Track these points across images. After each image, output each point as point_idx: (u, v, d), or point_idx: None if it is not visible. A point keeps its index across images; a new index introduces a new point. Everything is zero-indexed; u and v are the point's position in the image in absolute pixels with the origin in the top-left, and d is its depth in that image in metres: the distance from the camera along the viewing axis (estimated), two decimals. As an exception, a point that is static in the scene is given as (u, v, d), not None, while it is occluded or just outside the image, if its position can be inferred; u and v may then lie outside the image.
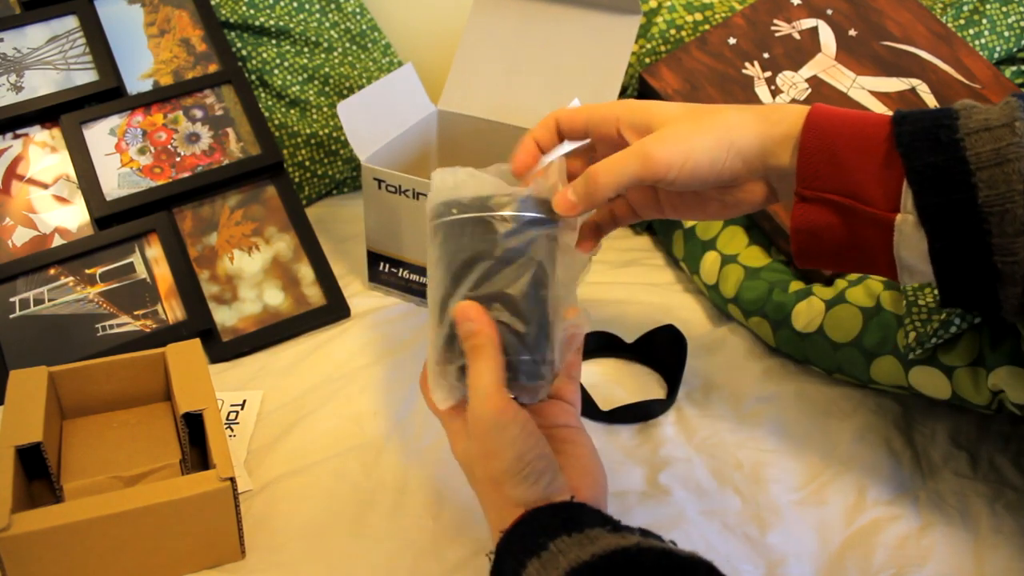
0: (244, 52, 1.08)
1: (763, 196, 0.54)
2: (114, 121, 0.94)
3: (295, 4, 1.11)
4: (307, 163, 1.09)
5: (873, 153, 0.48)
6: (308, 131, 1.08)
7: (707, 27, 1.03)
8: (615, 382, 0.81)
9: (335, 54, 1.13)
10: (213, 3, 1.06)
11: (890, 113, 0.49)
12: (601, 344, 0.83)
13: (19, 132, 0.92)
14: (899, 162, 0.47)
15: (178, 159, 0.92)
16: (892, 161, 0.48)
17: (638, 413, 0.75)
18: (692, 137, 0.50)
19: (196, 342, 0.72)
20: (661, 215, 0.59)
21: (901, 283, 0.50)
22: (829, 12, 0.97)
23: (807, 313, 0.78)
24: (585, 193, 0.51)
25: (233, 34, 1.08)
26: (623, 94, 1.01)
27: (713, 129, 0.51)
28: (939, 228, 0.46)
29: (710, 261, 0.89)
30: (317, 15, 1.13)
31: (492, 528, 0.51)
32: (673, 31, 1.04)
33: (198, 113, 0.95)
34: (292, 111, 1.10)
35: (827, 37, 0.96)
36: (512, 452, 0.49)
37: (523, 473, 0.49)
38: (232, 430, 0.73)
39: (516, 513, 0.49)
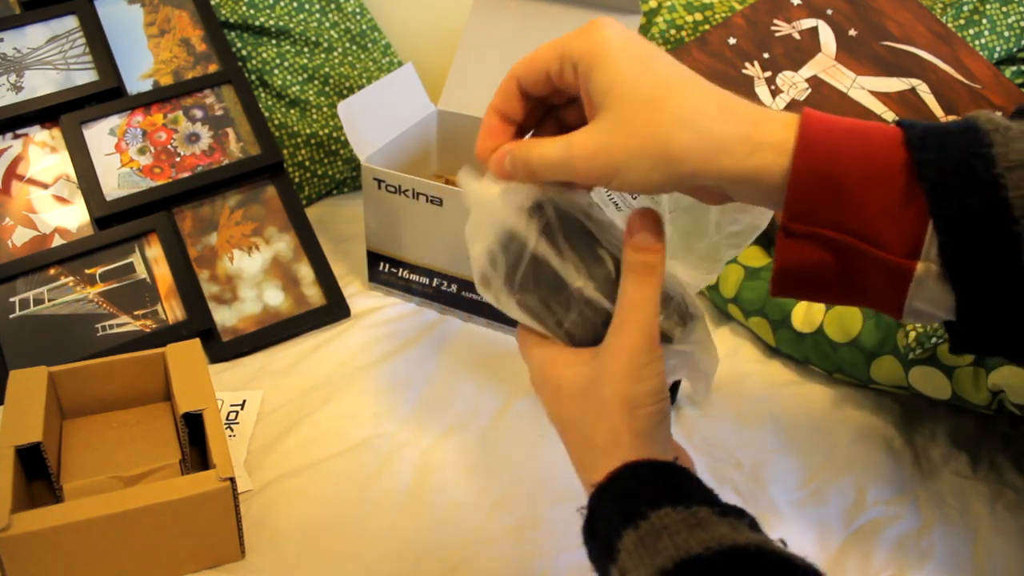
0: (244, 52, 1.08)
1: (723, 199, 0.46)
2: (114, 121, 0.94)
3: (295, 4, 1.11)
4: (307, 163, 1.09)
5: (885, 184, 0.39)
6: (308, 131, 1.08)
7: (707, 27, 1.03)
8: (615, 382, 0.81)
9: (335, 54, 1.13)
10: (213, 3, 1.06)
11: (894, 124, 0.41)
12: (601, 344, 0.83)
13: (19, 132, 0.92)
14: (921, 198, 0.38)
15: (178, 159, 0.92)
16: (911, 196, 0.38)
17: (638, 413, 0.75)
18: (624, 155, 0.41)
19: (196, 342, 0.72)
20: None
21: (903, 321, 0.44)
22: (829, 12, 0.97)
23: (807, 313, 0.78)
24: (520, 173, 0.46)
25: (233, 34, 1.08)
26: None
27: (654, 150, 0.41)
28: (972, 286, 0.38)
29: (710, 261, 0.89)
30: (317, 15, 1.13)
31: (590, 468, 0.45)
32: (673, 31, 1.04)
33: (198, 113, 0.95)
34: (292, 111, 1.10)
35: (827, 37, 0.96)
36: (654, 384, 0.44)
37: (655, 407, 0.44)
38: (232, 430, 0.73)
39: (626, 451, 0.44)
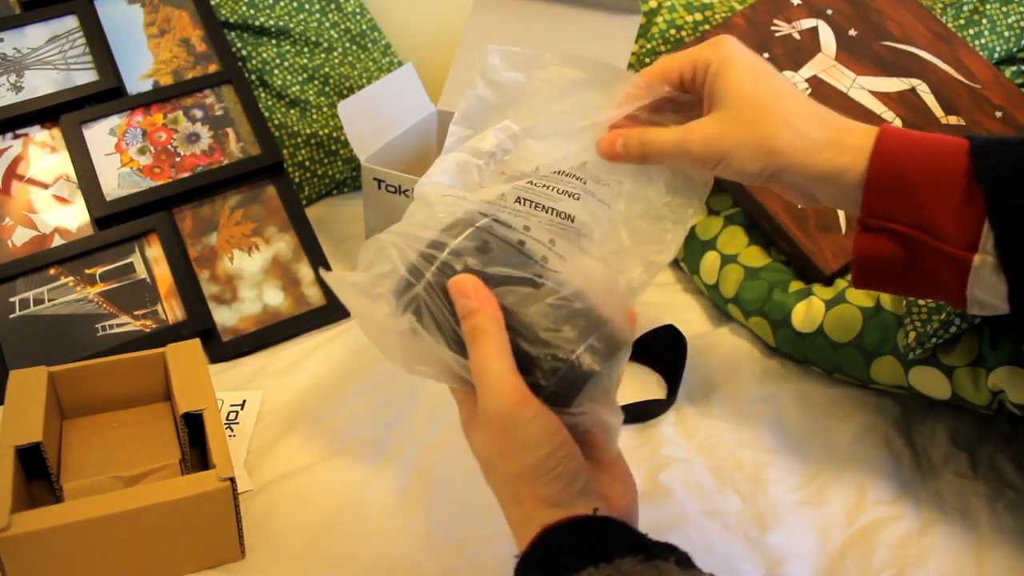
0: (244, 52, 1.08)
1: (804, 200, 0.52)
2: (114, 121, 0.94)
3: (295, 4, 1.11)
4: (307, 163, 1.09)
5: (949, 186, 0.45)
6: (308, 131, 1.08)
7: (707, 27, 1.03)
8: (615, 382, 0.81)
9: (335, 54, 1.13)
10: (213, 3, 1.06)
11: (964, 140, 0.46)
12: (601, 344, 0.83)
13: (19, 132, 0.92)
14: (980, 199, 0.44)
15: (178, 159, 0.92)
16: (972, 196, 0.44)
17: (638, 413, 0.75)
18: (734, 143, 0.48)
19: (196, 342, 0.72)
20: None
21: (969, 313, 0.48)
22: (829, 12, 0.97)
23: (807, 313, 0.78)
24: (632, 155, 0.50)
25: (233, 34, 1.08)
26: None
27: (760, 142, 0.48)
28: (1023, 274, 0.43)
29: (710, 261, 0.89)
30: (317, 15, 1.13)
31: (515, 535, 0.46)
32: (673, 31, 1.04)
33: (198, 113, 0.95)
34: (292, 111, 1.10)
35: (827, 37, 0.96)
36: (545, 447, 0.43)
37: (555, 472, 0.43)
38: (232, 430, 0.73)
39: (545, 517, 0.44)
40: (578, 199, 0.51)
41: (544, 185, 0.51)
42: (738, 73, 0.49)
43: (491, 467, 0.46)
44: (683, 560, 0.42)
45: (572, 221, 0.50)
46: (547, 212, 0.50)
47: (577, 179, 0.52)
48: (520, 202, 0.50)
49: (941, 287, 0.48)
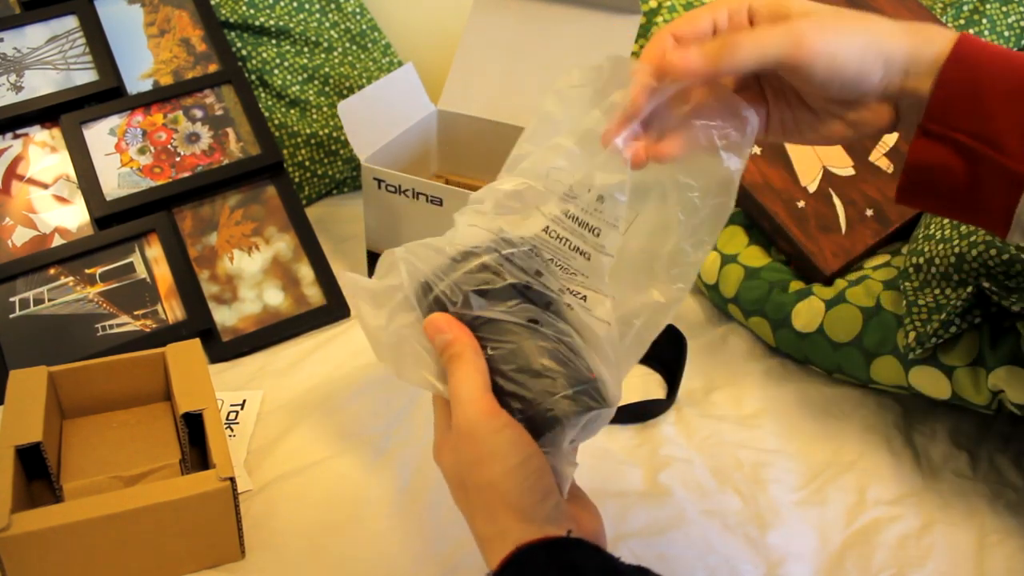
0: (244, 52, 1.08)
1: (888, 120, 0.48)
2: (114, 121, 0.94)
3: (295, 4, 1.11)
4: (307, 163, 1.09)
5: (1020, 100, 0.44)
6: (308, 131, 1.08)
7: (707, 27, 1.03)
8: (615, 382, 0.81)
9: (335, 54, 1.13)
10: (213, 3, 1.06)
11: None
12: (601, 344, 0.83)
13: (19, 132, 0.92)
14: None
15: (178, 159, 0.92)
16: None
17: (638, 413, 0.75)
18: (845, 33, 0.45)
19: (196, 342, 0.72)
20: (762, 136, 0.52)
21: (1009, 241, 0.47)
22: (829, 12, 0.97)
23: (807, 313, 0.78)
24: (716, 56, 0.44)
25: (233, 34, 1.08)
26: (623, 94, 1.01)
27: (865, 31, 0.45)
28: None
29: (710, 261, 0.89)
30: (317, 15, 1.13)
31: (484, 552, 0.46)
32: (673, 31, 1.03)
33: (198, 113, 0.95)
34: (292, 111, 1.10)
35: (827, 37, 0.96)
36: (515, 457, 0.44)
37: (527, 483, 0.44)
38: (232, 430, 0.73)
39: (517, 531, 0.44)
40: (589, 258, 0.49)
41: (561, 235, 0.50)
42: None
43: (461, 484, 0.47)
44: None
45: (587, 262, 0.49)
46: (564, 258, 0.50)
47: (589, 229, 0.50)
48: (546, 238, 0.50)
49: (988, 207, 0.46)
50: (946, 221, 0.76)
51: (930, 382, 0.69)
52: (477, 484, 0.45)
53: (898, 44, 0.45)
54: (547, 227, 0.49)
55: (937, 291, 0.67)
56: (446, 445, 0.47)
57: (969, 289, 0.64)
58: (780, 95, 0.50)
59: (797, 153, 0.89)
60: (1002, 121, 0.44)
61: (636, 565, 0.43)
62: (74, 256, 0.85)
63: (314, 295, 0.89)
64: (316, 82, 1.11)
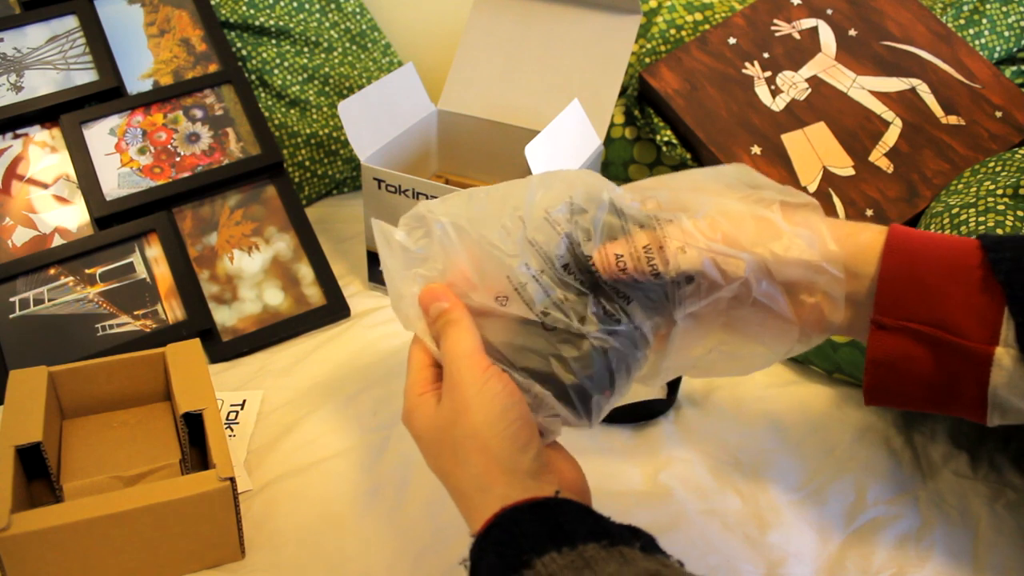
0: (244, 52, 1.08)
1: (817, 318, 0.48)
2: (114, 121, 0.94)
3: (295, 4, 1.11)
4: (307, 163, 1.09)
5: (965, 279, 0.44)
6: (308, 131, 1.08)
7: (707, 27, 1.03)
8: (615, 382, 0.81)
9: (335, 54, 1.13)
10: (213, 3, 1.06)
11: (973, 239, 0.46)
12: (601, 344, 0.83)
13: (19, 132, 0.92)
14: (998, 291, 0.43)
15: (178, 159, 0.92)
16: (988, 289, 0.44)
17: (638, 413, 0.75)
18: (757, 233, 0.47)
19: (196, 342, 0.72)
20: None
21: (988, 423, 0.46)
22: (829, 12, 0.97)
23: (807, 313, 0.78)
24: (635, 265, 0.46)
25: (233, 34, 1.08)
26: (623, 94, 1.01)
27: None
28: None
29: (710, 261, 0.88)
30: (317, 15, 1.13)
31: (466, 510, 0.46)
32: (673, 31, 1.04)
33: (198, 113, 0.95)
34: (292, 111, 1.10)
35: (827, 37, 0.96)
36: (497, 406, 0.44)
37: (510, 431, 0.44)
38: (232, 430, 0.73)
39: (498, 490, 0.44)
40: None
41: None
42: None
43: (439, 441, 0.47)
44: (648, 544, 0.42)
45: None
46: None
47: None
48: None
49: (959, 392, 0.46)
50: (946, 222, 0.76)
51: (930, 382, 0.69)
52: (459, 436, 0.45)
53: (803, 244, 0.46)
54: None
55: None
56: (420, 407, 0.48)
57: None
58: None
59: (797, 153, 0.89)
60: (953, 305, 0.44)
61: (627, 524, 0.43)
62: (74, 256, 0.85)
63: (314, 295, 0.89)
64: (316, 82, 1.11)
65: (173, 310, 0.84)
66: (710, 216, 0.48)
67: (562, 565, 0.39)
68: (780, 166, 0.88)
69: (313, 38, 1.12)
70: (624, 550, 0.40)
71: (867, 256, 0.46)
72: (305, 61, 1.11)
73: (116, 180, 0.90)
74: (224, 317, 0.86)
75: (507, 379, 0.46)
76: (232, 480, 0.58)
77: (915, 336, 0.45)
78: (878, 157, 0.89)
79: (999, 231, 0.71)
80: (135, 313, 0.83)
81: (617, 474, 0.70)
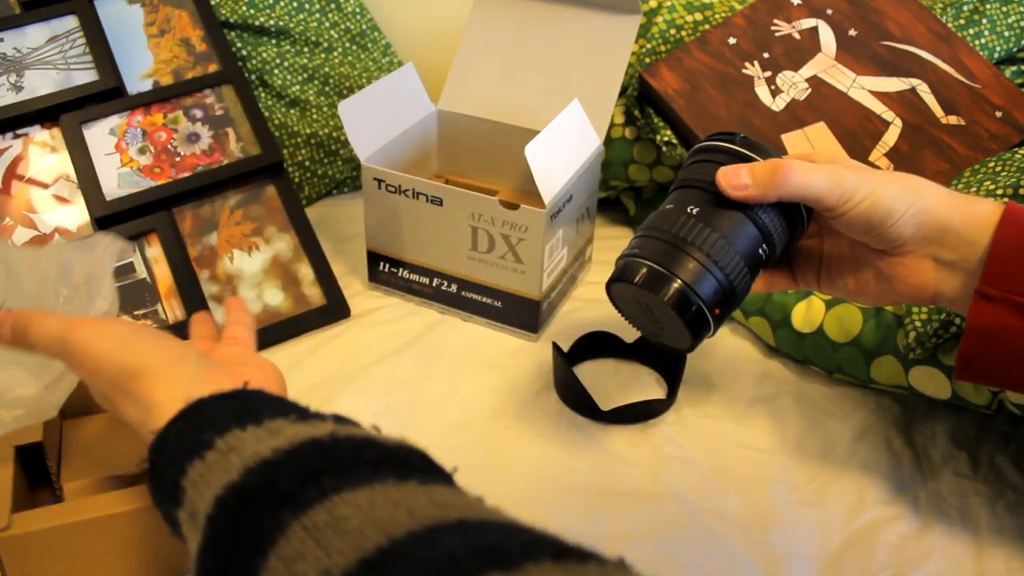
0: (244, 52, 1.08)
1: (930, 282, 0.49)
2: (114, 121, 0.94)
3: (295, 4, 1.11)
4: (307, 163, 1.09)
5: None
6: (308, 131, 1.08)
7: (707, 27, 1.03)
8: (615, 382, 0.81)
9: (335, 54, 1.13)
10: (213, 3, 1.06)
11: None
12: (601, 344, 0.83)
13: (19, 132, 0.92)
14: None
15: (178, 159, 0.92)
16: None
17: (638, 413, 0.75)
18: (882, 178, 0.48)
19: (196, 342, 0.72)
20: (810, 283, 0.56)
21: None
22: (829, 12, 0.97)
23: (807, 313, 0.78)
24: (766, 183, 0.48)
25: (233, 34, 1.08)
26: (623, 94, 1.01)
27: (904, 180, 0.48)
28: None
29: (710, 261, 0.88)
30: (317, 15, 1.13)
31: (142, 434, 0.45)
32: (673, 31, 1.04)
33: (198, 113, 0.95)
34: (292, 111, 1.10)
35: (827, 37, 0.96)
36: (110, 337, 0.47)
37: (150, 334, 0.48)
38: (232, 430, 0.73)
39: (167, 402, 0.43)
40: None
41: None
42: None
43: (110, 402, 0.49)
44: (343, 420, 0.41)
45: None
46: None
47: None
48: None
49: None
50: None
51: (930, 382, 0.69)
52: (112, 385, 0.47)
53: (938, 199, 0.47)
54: None
55: None
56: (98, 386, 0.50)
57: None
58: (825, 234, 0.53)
59: (797, 152, 0.89)
60: None
61: (333, 415, 0.42)
62: (74, 256, 0.85)
63: (314, 295, 0.89)
64: (316, 82, 1.11)
65: (173, 310, 0.84)
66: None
67: (245, 439, 0.37)
68: (780, 166, 0.88)
69: (313, 38, 1.12)
70: (315, 422, 0.40)
71: (982, 224, 0.46)
72: (305, 61, 1.11)
73: (116, 180, 0.90)
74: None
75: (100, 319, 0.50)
76: (232, 480, 0.58)
77: (1019, 309, 0.45)
78: (878, 157, 0.89)
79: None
80: (135, 313, 0.83)
81: (617, 474, 0.70)
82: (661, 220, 0.53)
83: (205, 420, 0.40)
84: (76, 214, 0.88)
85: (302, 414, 0.41)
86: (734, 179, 0.48)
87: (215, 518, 0.35)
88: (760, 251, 0.51)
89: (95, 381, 0.49)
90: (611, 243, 1.02)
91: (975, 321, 0.46)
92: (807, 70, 0.94)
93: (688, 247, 0.50)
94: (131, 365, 0.46)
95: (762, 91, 0.94)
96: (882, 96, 0.92)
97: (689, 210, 0.51)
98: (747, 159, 0.51)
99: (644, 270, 0.52)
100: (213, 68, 0.99)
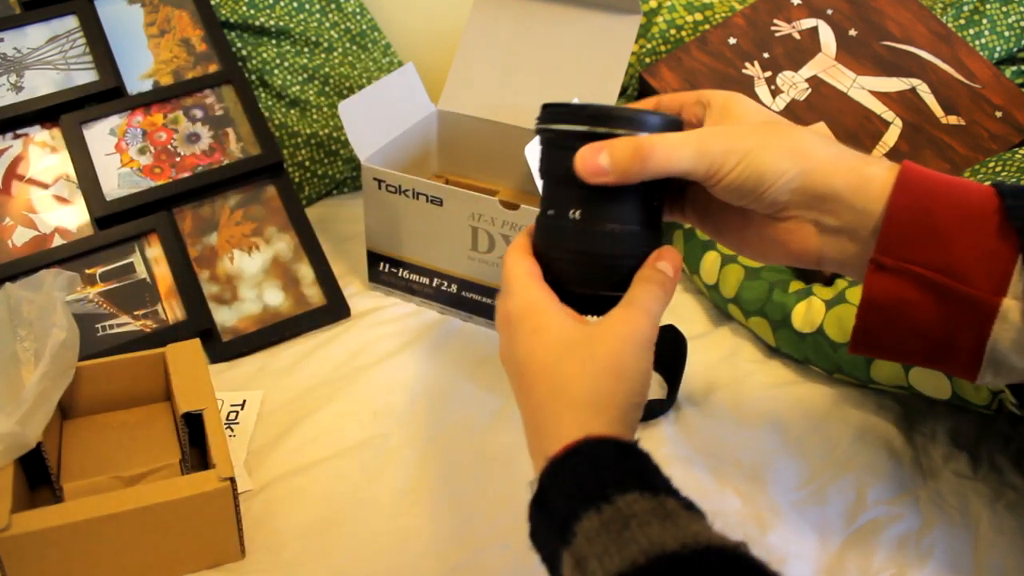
0: (244, 52, 1.08)
1: (808, 244, 0.46)
2: (114, 121, 0.94)
3: (295, 4, 1.11)
4: (307, 163, 1.09)
5: (978, 225, 0.41)
6: (308, 131, 1.08)
7: (707, 27, 1.03)
8: (615, 382, 0.81)
9: (335, 54, 1.13)
10: (213, 3, 1.06)
11: (989, 185, 0.43)
12: (601, 344, 0.83)
13: (19, 132, 0.92)
14: (1012, 239, 0.41)
15: (178, 159, 0.92)
16: (1003, 237, 0.41)
17: (638, 413, 0.75)
18: (758, 141, 0.44)
19: (196, 342, 0.72)
20: (697, 223, 0.52)
21: (978, 382, 0.44)
22: (829, 12, 0.97)
23: (807, 313, 0.78)
24: (626, 167, 0.44)
25: (233, 34, 1.08)
26: (623, 94, 1.01)
27: (787, 140, 0.44)
28: None
29: (710, 261, 0.89)
30: (317, 15, 1.13)
31: (536, 428, 0.44)
32: (673, 31, 1.04)
33: (198, 113, 0.95)
34: (292, 111, 1.10)
35: (827, 37, 0.96)
36: (647, 370, 0.46)
37: (639, 396, 0.45)
38: (232, 430, 0.73)
39: (581, 419, 0.42)
40: None
41: None
42: (752, 108, 0.49)
43: (570, 345, 0.45)
44: (693, 509, 0.41)
45: None
46: None
47: None
48: None
49: (955, 344, 0.43)
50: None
51: (930, 382, 0.69)
52: (603, 360, 0.45)
53: (824, 160, 0.44)
54: None
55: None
56: (555, 316, 0.46)
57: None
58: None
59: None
60: (962, 250, 0.42)
61: (689, 500, 0.41)
62: (74, 256, 0.85)
63: (314, 295, 0.89)
64: (316, 82, 1.11)
65: (173, 310, 0.84)
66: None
67: (645, 509, 0.37)
68: (780, 166, 0.88)
69: (313, 38, 1.12)
70: (694, 513, 0.39)
71: (873, 190, 0.43)
72: (305, 61, 1.11)
73: (116, 180, 0.90)
74: (224, 317, 0.86)
75: (652, 355, 0.47)
76: (232, 480, 0.58)
77: (916, 280, 0.42)
78: (878, 157, 0.89)
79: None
80: (135, 313, 0.83)
81: (617, 474, 0.70)
82: (553, 234, 0.49)
83: (604, 468, 0.39)
84: (76, 214, 0.88)
85: (684, 500, 0.41)
86: (592, 164, 0.44)
87: None
88: (655, 203, 0.48)
89: (584, 342, 0.45)
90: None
91: (870, 293, 0.44)
92: (807, 70, 0.94)
93: (598, 259, 0.48)
94: (614, 367, 0.45)
95: (762, 91, 0.94)
96: (882, 96, 0.92)
97: (571, 215, 0.48)
98: (602, 136, 0.46)
99: (577, 303, 0.49)
100: (213, 68, 0.99)
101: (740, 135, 0.45)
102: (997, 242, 0.41)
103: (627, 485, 0.38)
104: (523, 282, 0.48)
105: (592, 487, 0.38)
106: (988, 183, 0.43)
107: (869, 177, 0.44)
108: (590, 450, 0.40)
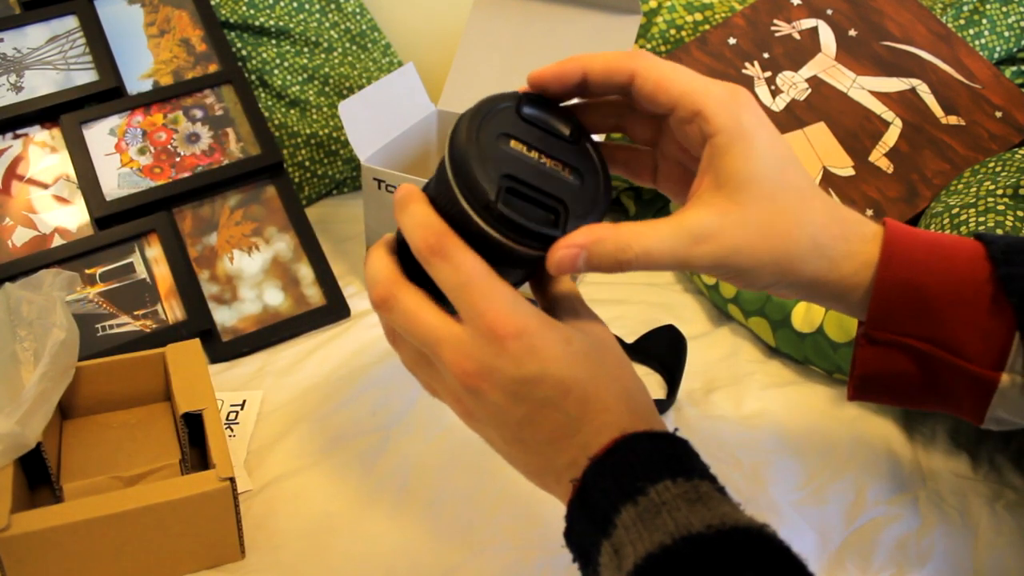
0: (244, 52, 1.08)
1: (782, 293, 0.45)
2: (114, 121, 0.94)
3: (295, 4, 1.11)
4: (307, 163, 1.09)
5: (971, 297, 0.40)
6: (308, 131, 1.08)
7: (707, 27, 1.03)
8: (615, 382, 0.81)
9: (335, 54, 1.13)
10: (213, 3, 1.06)
11: (973, 238, 0.42)
12: (601, 344, 0.83)
13: (19, 132, 0.92)
14: (1008, 311, 0.39)
15: (178, 159, 0.92)
16: (997, 308, 0.40)
17: (638, 413, 0.75)
18: (752, 259, 0.40)
19: (196, 342, 0.72)
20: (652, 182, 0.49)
21: (984, 427, 0.42)
22: (829, 12, 0.97)
23: (807, 313, 0.78)
24: (605, 265, 0.40)
25: (233, 34, 1.08)
26: (623, 94, 1.01)
27: (783, 262, 0.41)
28: None
29: (710, 261, 0.88)
30: (317, 15, 1.13)
31: (569, 440, 0.42)
32: (673, 31, 1.04)
33: (198, 113, 0.95)
34: (292, 111, 1.10)
35: (827, 37, 0.96)
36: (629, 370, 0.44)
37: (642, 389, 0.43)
38: (232, 430, 0.73)
39: (611, 418, 0.41)
40: None
41: None
42: (759, 162, 0.40)
43: (590, 354, 0.42)
44: (725, 496, 0.41)
45: None
46: None
47: None
48: None
49: (956, 405, 0.43)
50: (946, 222, 0.76)
51: (930, 382, 0.69)
52: (624, 364, 0.44)
53: (817, 277, 0.42)
54: None
55: None
56: (550, 331, 0.42)
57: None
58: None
59: (797, 153, 0.89)
60: (955, 324, 0.40)
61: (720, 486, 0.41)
62: (74, 256, 0.85)
63: (314, 295, 0.89)
64: (316, 82, 1.11)
65: (173, 310, 0.84)
66: None
67: (675, 495, 0.38)
68: (780, 166, 0.88)
69: (313, 38, 1.12)
70: (726, 496, 0.39)
71: (859, 265, 0.42)
72: (305, 61, 1.11)
73: (116, 180, 0.90)
74: (224, 317, 0.86)
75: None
76: (232, 480, 0.58)
77: (910, 352, 0.42)
78: (878, 157, 0.89)
79: (999, 231, 0.71)
80: (135, 313, 0.83)
81: (617, 474, 0.70)
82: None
83: (639, 460, 0.40)
84: (76, 214, 0.88)
85: (718, 485, 0.41)
86: (568, 267, 0.40)
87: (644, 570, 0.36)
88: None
89: (589, 352, 0.43)
90: (611, 243, 1.02)
91: (864, 367, 0.43)
92: (807, 70, 0.94)
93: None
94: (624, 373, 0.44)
95: (762, 91, 0.94)
96: (882, 96, 0.92)
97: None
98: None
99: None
100: (213, 68, 0.99)
101: (735, 251, 0.40)
102: (992, 316, 0.40)
103: (660, 474, 0.39)
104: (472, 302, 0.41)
105: (628, 482, 0.39)
106: (973, 236, 0.42)
107: (852, 254, 0.42)
108: (626, 446, 0.41)
